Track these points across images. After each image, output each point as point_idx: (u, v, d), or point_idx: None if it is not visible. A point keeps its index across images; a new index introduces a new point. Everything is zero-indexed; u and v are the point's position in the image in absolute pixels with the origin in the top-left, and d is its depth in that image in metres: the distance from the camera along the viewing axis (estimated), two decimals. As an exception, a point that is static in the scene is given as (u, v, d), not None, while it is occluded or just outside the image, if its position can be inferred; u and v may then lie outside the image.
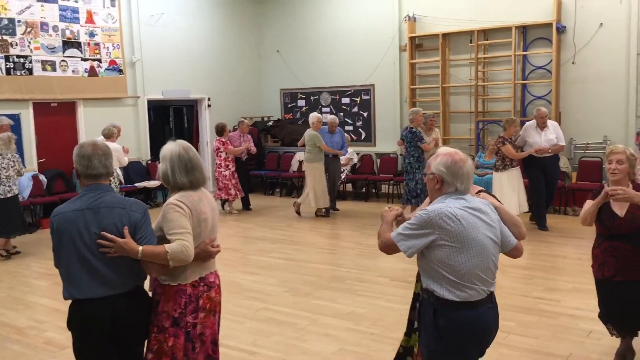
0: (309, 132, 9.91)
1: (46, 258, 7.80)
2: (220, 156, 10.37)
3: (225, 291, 6.09)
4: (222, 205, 10.62)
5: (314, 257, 7.62)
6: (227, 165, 10.30)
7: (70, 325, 2.93)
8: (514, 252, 2.92)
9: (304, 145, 10.02)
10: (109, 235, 2.81)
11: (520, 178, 8.35)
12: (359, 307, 5.52)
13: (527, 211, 8.51)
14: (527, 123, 8.63)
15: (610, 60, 9.76)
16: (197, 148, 13.11)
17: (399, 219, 3.01)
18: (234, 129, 11.54)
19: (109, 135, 8.84)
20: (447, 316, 2.69)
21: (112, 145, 8.02)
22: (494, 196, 3.23)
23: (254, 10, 13.80)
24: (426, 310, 2.79)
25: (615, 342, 4.41)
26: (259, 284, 6.36)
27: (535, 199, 8.48)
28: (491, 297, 2.77)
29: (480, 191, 3.05)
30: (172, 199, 3.01)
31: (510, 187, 8.21)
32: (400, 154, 9.07)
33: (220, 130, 10.37)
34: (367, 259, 7.36)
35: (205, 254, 3.04)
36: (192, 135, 13.69)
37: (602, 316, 4.14)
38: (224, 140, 10.32)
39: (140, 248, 2.83)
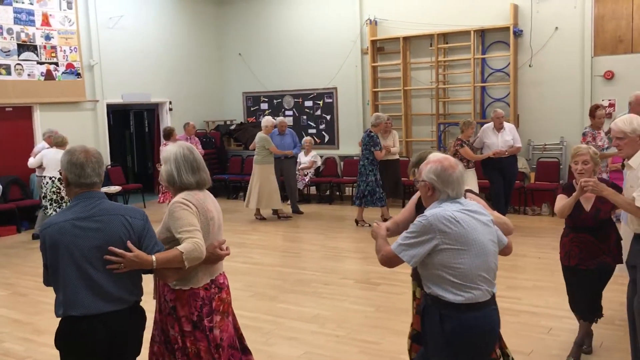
0: (258, 135, 9.99)
1: (2, 267, 7.58)
2: None
3: (189, 297, 6.03)
4: None
5: (279, 260, 7.59)
6: None
7: (62, 342, 2.75)
8: (506, 250, 2.97)
9: (255, 148, 10.13)
10: (117, 250, 2.67)
11: (475, 180, 8.45)
12: (324, 310, 5.52)
13: None
14: (485, 125, 8.85)
15: (566, 63, 10.02)
16: (158, 153, 13.00)
17: (389, 233, 3.08)
18: (196, 133, 11.42)
19: (62, 143, 8.65)
20: (454, 320, 2.66)
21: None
22: (479, 195, 3.30)
23: (215, 13, 13.71)
24: (431, 317, 2.76)
25: (574, 337, 4.52)
26: (223, 289, 6.30)
27: (494, 200, 8.66)
28: (494, 298, 2.77)
29: (467, 190, 3.08)
30: (178, 197, 2.98)
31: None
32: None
33: (167, 134, 10.29)
34: (332, 261, 7.37)
35: (214, 257, 3.05)
36: (153, 139, 13.50)
37: (569, 303, 4.36)
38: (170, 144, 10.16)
39: (154, 257, 2.73)
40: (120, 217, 2.74)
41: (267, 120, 10.08)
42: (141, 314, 2.91)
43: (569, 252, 4.13)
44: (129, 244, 2.71)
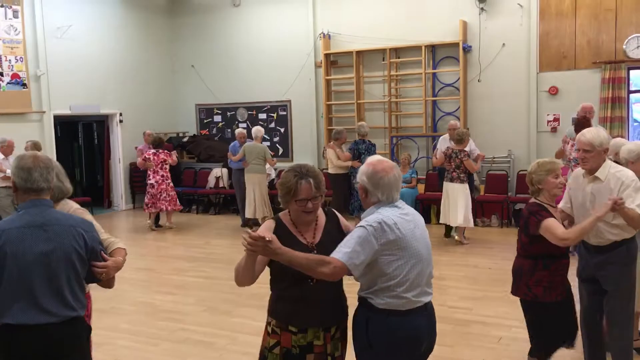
0: (258, 145, 9.93)
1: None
2: (165, 169, 10.30)
3: (140, 313, 5.91)
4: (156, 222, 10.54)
5: (233, 274, 7.50)
6: (170, 177, 10.35)
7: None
8: None
9: (240, 159, 10.06)
10: (100, 263, 2.76)
11: (469, 194, 8.46)
12: (278, 324, 5.48)
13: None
14: (441, 137, 9.04)
15: (512, 79, 10.34)
16: (108, 165, 12.73)
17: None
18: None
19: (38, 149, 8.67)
20: (378, 323, 2.70)
21: None
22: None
23: (167, 24, 13.56)
24: (359, 320, 2.79)
25: (523, 346, 4.62)
26: (175, 304, 6.19)
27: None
28: (426, 305, 2.78)
29: None
30: (72, 204, 3.09)
31: (468, 199, 8.36)
32: (353, 167, 9.16)
33: (160, 142, 10.41)
34: (286, 274, 7.32)
35: None
36: (102, 152, 13.21)
37: (551, 342, 3.77)
38: (168, 152, 10.37)
39: (120, 258, 2.89)
40: (73, 229, 2.71)
41: (259, 130, 10.14)
42: (82, 327, 2.80)
43: (549, 286, 3.58)
44: (103, 254, 2.80)
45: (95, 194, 12.98)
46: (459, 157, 8.27)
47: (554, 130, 10.08)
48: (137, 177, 12.42)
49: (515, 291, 3.73)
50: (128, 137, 12.44)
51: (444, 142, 8.84)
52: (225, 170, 12.17)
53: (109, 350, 4.89)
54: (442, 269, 7.09)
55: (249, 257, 2.65)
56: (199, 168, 12.70)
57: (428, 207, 10.29)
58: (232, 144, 10.50)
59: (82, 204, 11.49)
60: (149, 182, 10.23)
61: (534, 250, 3.59)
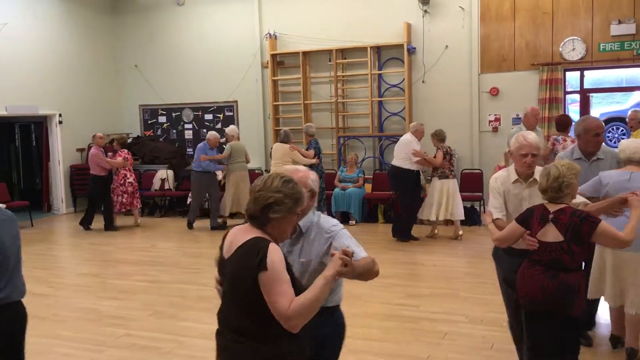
0: (240, 144, 10.23)
1: None
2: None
3: (83, 319, 5.75)
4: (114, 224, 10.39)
5: (179, 277, 7.39)
6: None
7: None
8: None
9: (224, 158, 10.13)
10: None
11: None
12: (226, 326, 5.43)
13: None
14: (409, 138, 8.87)
15: (455, 80, 10.58)
16: (47, 168, 12.30)
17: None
18: (89, 147, 10.93)
19: None
20: (336, 321, 2.84)
21: None
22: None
23: (109, 23, 13.22)
24: (334, 324, 2.84)
25: (468, 341, 4.73)
26: (120, 309, 6.04)
27: (411, 215, 9.00)
28: None
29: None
30: None
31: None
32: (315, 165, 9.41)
33: (126, 143, 10.90)
34: (234, 276, 7.26)
35: None
36: (41, 154, 12.76)
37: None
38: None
39: None
40: (14, 217, 3.13)
41: (235, 129, 10.44)
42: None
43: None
44: None
45: (34, 197, 12.51)
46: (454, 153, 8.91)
47: (495, 130, 10.38)
48: (79, 180, 12.09)
49: (576, 310, 3.23)
50: (68, 139, 12.06)
51: (414, 143, 8.67)
52: (170, 172, 11.97)
53: (50, 358, 4.74)
54: (387, 268, 7.15)
55: (332, 282, 2.26)
56: (144, 170, 12.43)
57: (375, 206, 10.39)
58: (200, 145, 10.15)
59: (20, 208, 11.11)
60: (127, 181, 10.32)
61: (581, 261, 3.29)
